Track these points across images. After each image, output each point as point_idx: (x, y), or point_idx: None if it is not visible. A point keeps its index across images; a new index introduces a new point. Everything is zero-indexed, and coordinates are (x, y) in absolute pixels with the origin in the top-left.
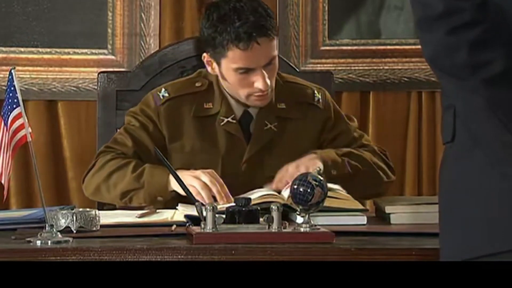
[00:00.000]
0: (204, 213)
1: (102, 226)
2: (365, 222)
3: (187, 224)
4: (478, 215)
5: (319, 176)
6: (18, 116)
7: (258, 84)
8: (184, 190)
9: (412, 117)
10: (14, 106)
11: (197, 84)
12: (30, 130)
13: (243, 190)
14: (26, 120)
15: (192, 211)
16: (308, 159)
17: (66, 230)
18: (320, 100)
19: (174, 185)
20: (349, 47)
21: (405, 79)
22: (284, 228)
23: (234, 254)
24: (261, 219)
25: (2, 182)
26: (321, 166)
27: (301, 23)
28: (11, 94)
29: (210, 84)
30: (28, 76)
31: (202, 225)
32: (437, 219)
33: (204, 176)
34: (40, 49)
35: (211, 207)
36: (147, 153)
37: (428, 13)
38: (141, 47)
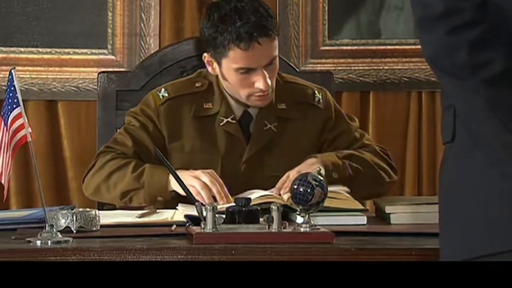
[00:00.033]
0: (204, 213)
1: (102, 226)
2: (365, 222)
3: (187, 224)
4: (478, 215)
5: (319, 176)
6: (18, 116)
7: (259, 84)
8: (184, 190)
9: (412, 117)
10: (14, 106)
11: (197, 84)
12: (30, 130)
13: (242, 190)
14: (26, 120)
15: (192, 211)
16: (309, 165)
17: (66, 230)
18: (321, 100)
19: (174, 185)
20: (349, 47)
21: (405, 79)
22: (284, 228)
23: (234, 254)
24: (261, 219)
25: (2, 182)
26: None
27: (301, 23)
28: (11, 94)
29: (210, 84)
30: (28, 76)
31: (202, 225)
32: (437, 219)
33: (204, 176)
34: (40, 49)
35: (211, 207)
36: (147, 153)
37: (428, 13)
38: (141, 47)
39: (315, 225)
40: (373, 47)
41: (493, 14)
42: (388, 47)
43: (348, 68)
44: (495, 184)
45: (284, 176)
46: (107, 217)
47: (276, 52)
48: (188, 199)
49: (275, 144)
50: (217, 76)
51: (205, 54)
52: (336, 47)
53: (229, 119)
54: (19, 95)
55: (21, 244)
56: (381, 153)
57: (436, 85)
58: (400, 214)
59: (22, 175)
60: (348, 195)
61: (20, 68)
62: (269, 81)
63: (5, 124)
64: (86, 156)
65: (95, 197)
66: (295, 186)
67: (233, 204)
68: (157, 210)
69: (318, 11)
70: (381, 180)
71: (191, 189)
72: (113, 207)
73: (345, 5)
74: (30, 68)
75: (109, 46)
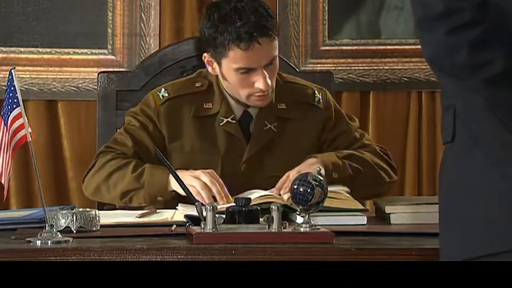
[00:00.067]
0: (204, 213)
1: (102, 226)
2: (365, 222)
3: (187, 224)
4: (478, 215)
5: (319, 176)
6: (18, 116)
7: (259, 84)
8: (184, 190)
9: (412, 117)
10: (14, 106)
11: (197, 84)
12: (30, 130)
13: (242, 190)
14: (26, 120)
15: (192, 211)
16: (309, 165)
17: (66, 230)
18: (321, 101)
19: (174, 185)
20: (349, 47)
21: (405, 79)
22: (284, 228)
23: (234, 254)
24: (261, 219)
25: (2, 182)
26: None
27: (301, 23)
28: (11, 94)
29: (210, 84)
30: (28, 76)
31: (202, 225)
32: (437, 219)
33: (204, 176)
34: (40, 49)
35: (211, 207)
36: (147, 153)
37: (428, 13)
38: (141, 47)
39: (315, 225)
40: (373, 47)
41: (493, 14)
42: (388, 47)
43: (348, 68)
44: (495, 184)
45: (284, 176)
46: (107, 217)
47: (276, 52)
48: (188, 199)
49: (275, 144)
50: (217, 76)
51: (205, 54)
52: (336, 47)
53: (229, 119)
54: (19, 95)
55: (21, 244)
56: (381, 153)
57: (436, 85)
58: (400, 214)
59: (22, 175)
60: (348, 195)
61: (20, 68)
62: (269, 81)
63: (5, 124)
64: (86, 156)
65: (95, 197)
66: (295, 186)
67: (233, 204)
68: (157, 210)
69: (318, 11)
70: (381, 180)
71: (191, 189)
72: (113, 207)
73: (345, 5)
74: (30, 68)
75: (109, 46)
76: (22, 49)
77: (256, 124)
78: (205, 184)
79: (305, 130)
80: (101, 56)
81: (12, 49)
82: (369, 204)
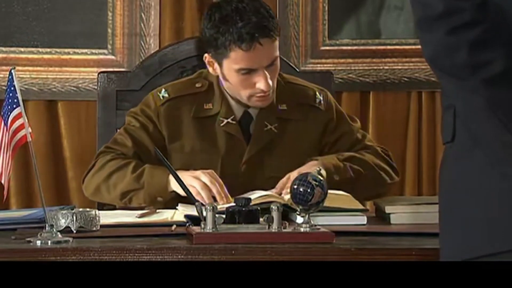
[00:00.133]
0: (204, 213)
1: (102, 226)
2: (365, 222)
3: (187, 224)
4: (478, 215)
5: (319, 176)
6: (18, 116)
7: (260, 85)
8: (184, 190)
9: (412, 117)
10: (14, 106)
11: (197, 85)
12: (30, 130)
13: (242, 191)
14: (26, 120)
15: (192, 211)
16: (310, 166)
17: (66, 230)
18: (322, 102)
19: (174, 186)
20: (349, 47)
21: (405, 79)
22: (284, 228)
23: (234, 254)
24: (261, 219)
25: (2, 182)
26: (323, 171)
27: (301, 23)
28: (11, 94)
29: (211, 85)
30: (28, 76)
31: (202, 225)
32: (437, 219)
33: (204, 176)
34: (40, 49)
35: (211, 207)
36: (147, 154)
37: (428, 13)
38: (141, 47)
39: (315, 225)
40: (373, 47)
41: (493, 14)
42: (388, 47)
43: (348, 68)
44: (495, 184)
45: (285, 178)
46: (107, 217)
47: (277, 53)
48: (188, 199)
49: (275, 144)
50: (217, 76)
51: (206, 55)
52: (336, 47)
53: (229, 120)
54: (19, 95)
55: (21, 244)
56: (382, 154)
57: (436, 85)
58: (400, 214)
59: (22, 175)
60: (348, 194)
61: (20, 68)
62: (270, 82)
63: (5, 124)
64: (86, 156)
65: (95, 198)
66: (295, 186)
67: (233, 204)
68: (157, 210)
69: (318, 11)
70: (382, 181)
71: (191, 189)
72: (113, 207)
73: (345, 5)
74: (30, 68)
75: (109, 46)
76: (22, 49)
77: (257, 125)
78: (205, 184)
79: (306, 132)
80: (101, 56)
81: (12, 49)
82: (369, 204)
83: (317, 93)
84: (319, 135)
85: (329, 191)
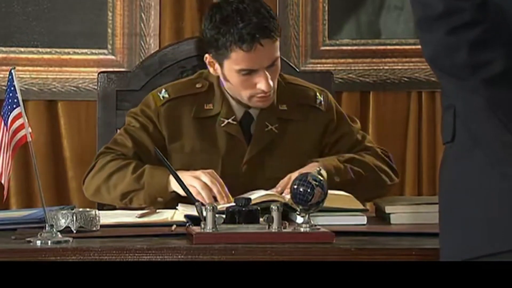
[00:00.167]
0: (204, 213)
1: (102, 226)
2: (365, 222)
3: (187, 224)
4: (478, 215)
5: (319, 176)
6: (18, 116)
7: (261, 85)
8: (183, 190)
9: (412, 117)
10: (14, 106)
11: (197, 85)
12: (30, 130)
13: (243, 191)
14: (26, 120)
15: (192, 211)
16: (311, 168)
17: (66, 230)
18: (322, 103)
19: (174, 186)
20: (349, 47)
21: (405, 79)
22: (284, 228)
23: (234, 254)
24: (261, 219)
25: (2, 182)
26: (323, 172)
27: (301, 23)
28: (11, 94)
29: (211, 85)
30: (28, 76)
31: (202, 225)
32: (437, 219)
33: (204, 176)
34: (40, 49)
35: (211, 207)
36: (147, 154)
37: (428, 13)
38: (141, 47)
39: (315, 225)
40: (373, 47)
41: (493, 14)
42: (388, 47)
43: (348, 68)
44: (495, 184)
45: (286, 178)
46: (107, 217)
47: (278, 53)
48: (188, 199)
49: (276, 145)
50: (218, 76)
51: (206, 55)
52: (336, 47)
53: (230, 120)
54: (19, 95)
55: (21, 244)
56: (382, 155)
57: (436, 85)
58: (400, 214)
59: (22, 175)
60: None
61: (20, 68)
62: (271, 82)
63: (5, 124)
64: (86, 156)
65: (96, 198)
66: (295, 186)
67: (233, 204)
68: (157, 210)
69: (318, 11)
70: (382, 183)
71: (191, 189)
72: (113, 207)
73: (345, 5)
74: (30, 68)
75: (109, 46)
76: (22, 49)
77: (257, 125)
78: (205, 184)
79: (306, 132)
80: (101, 56)
81: (12, 49)
82: (369, 204)
83: (318, 93)
84: (320, 135)
85: (331, 191)
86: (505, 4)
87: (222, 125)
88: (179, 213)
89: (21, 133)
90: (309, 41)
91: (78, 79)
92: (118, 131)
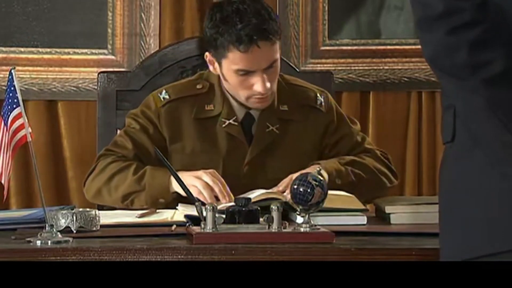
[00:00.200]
0: (204, 213)
1: (102, 226)
2: (365, 222)
3: (187, 224)
4: (478, 215)
5: (319, 176)
6: (18, 116)
7: (257, 87)
8: (183, 189)
9: (412, 117)
10: (14, 106)
11: (198, 86)
12: (30, 130)
13: (244, 192)
14: (26, 120)
15: (192, 211)
16: (312, 169)
17: (66, 230)
18: (323, 103)
19: (176, 187)
20: (349, 47)
21: (405, 79)
22: (284, 228)
23: (234, 254)
24: (261, 219)
25: (2, 182)
26: (324, 172)
27: (301, 23)
28: (11, 94)
29: (211, 86)
30: (28, 76)
31: (202, 225)
32: (437, 219)
33: (206, 176)
34: (40, 49)
35: (211, 207)
36: (148, 156)
37: (428, 13)
38: (141, 47)
39: (315, 225)
40: (373, 47)
41: (493, 14)
42: (388, 47)
43: (348, 68)
44: (495, 184)
45: (287, 178)
46: (107, 217)
47: (277, 55)
48: (189, 199)
49: (277, 146)
50: (218, 77)
51: (206, 54)
52: (336, 47)
53: (231, 121)
54: (19, 95)
55: (21, 244)
56: (382, 157)
57: (436, 85)
58: (400, 214)
59: (22, 175)
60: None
61: (20, 68)
62: (268, 84)
63: (5, 124)
64: (86, 156)
65: (97, 200)
66: (295, 186)
67: (233, 204)
68: (157, 210)
69: (318, 11)
70: (382, 185)
71: (193, 189)
72: (113, 207)
73: (345, 5)
74: (30, 68)
75: (109, 46)
76: (22, 49)
77: (258, 126)
78: (207, 183)
79: (307, 133)
80: (101, 56)
81: (12, 49)
82: (369, 205)
83: (318, 94)
84: (320, 136)
85: (332, 191)
86: (505, 4)
87: (223, 126)
88: (179, 213)
89: (21, 133)
90: (309, 41)
91: (78, 79)
92: (118, 132)
